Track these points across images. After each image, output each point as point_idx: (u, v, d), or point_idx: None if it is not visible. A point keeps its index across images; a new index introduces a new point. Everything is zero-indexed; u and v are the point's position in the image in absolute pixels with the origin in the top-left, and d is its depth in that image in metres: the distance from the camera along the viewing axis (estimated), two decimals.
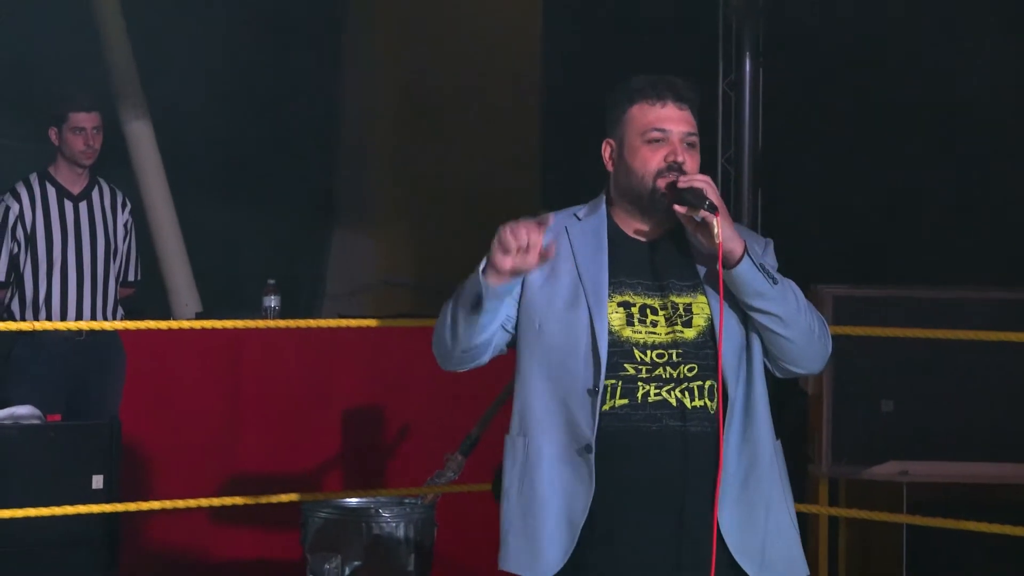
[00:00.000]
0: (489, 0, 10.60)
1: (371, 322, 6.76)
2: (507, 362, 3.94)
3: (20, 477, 6.09)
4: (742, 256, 3.74)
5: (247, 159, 10.02)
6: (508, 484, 3.84)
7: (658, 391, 3.76)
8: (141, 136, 9.16)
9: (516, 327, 3.85)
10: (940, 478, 6.95)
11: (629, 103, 3.86)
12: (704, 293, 3.82)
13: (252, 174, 10.05)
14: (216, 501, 6.41)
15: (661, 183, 3.80)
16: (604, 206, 3.91)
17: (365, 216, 10.85)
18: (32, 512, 5.79)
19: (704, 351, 3.79)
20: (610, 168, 3.91)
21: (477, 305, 3.71)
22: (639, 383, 3.76)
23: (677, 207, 3.76)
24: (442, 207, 10.53)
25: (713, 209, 3.71)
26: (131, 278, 7.30)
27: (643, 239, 3.87)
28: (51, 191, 7.09)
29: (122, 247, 7.23)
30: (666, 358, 3.78)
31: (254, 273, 8.51)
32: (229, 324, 6.43)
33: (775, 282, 3.78)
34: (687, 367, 3.78)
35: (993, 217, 8.05)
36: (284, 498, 6.40)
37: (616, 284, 3.82)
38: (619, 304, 3.80)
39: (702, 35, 8.84)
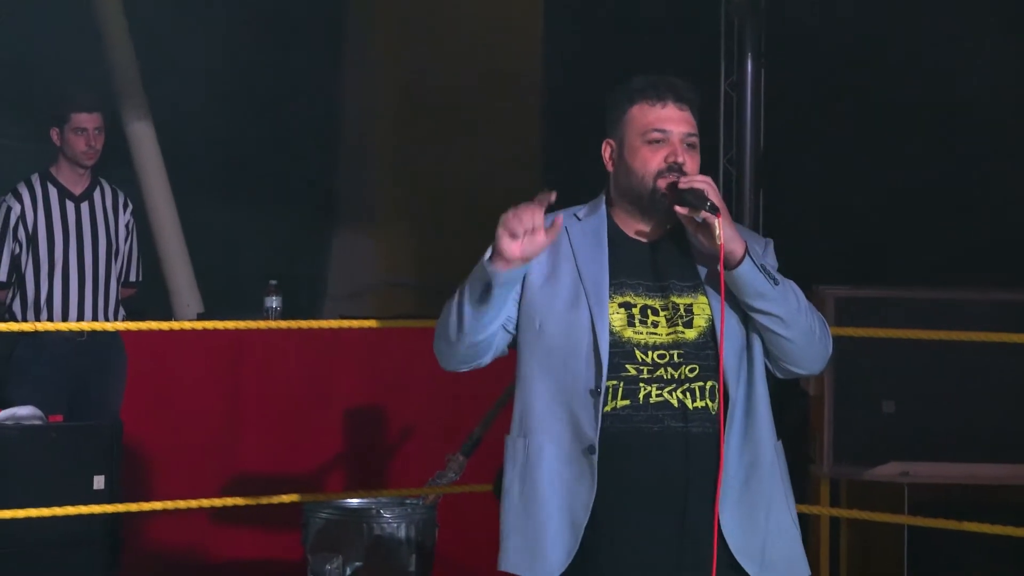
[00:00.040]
0: (490, 0, 10.59)
1: (371, 323, 6.76)
2: (508, 363, 3.94)
3: (21, 477, 6.09)
4: (743, 257, 3.74)
5: (248, 159, 10.02)
6: (509, 485, 3.84)
7: (659, 392, 3.77)
8: (143, 137, 9.16)
9: (516, 327, 3.84)
10: (941, 479, 6.95)
11: (629, 103, 3.86)
12: (705, 294, 3.82)
13: (253, 174, 10.04)
14: (217, 502, 6.41)
15: (661, 184, 3.80)
16: (604, 206, 3.91)
17: (366, 216, 10.85)
18: (33, 512, 5.79)
19: (705, 352, 3.79)
20: (610, 168, 3.91)
21: (486, 295, 3.71)
22: (640, 384, 3.76)
23: (678, 208, 3.76)
24: (443, 207, 10.53)
25: (714, 210, 3.71)
26: (132, 279, 7.29)
27: (643, 239, 3.87)
28: (53, 191, 7.09)
29: (123, 248, 7.22)
30: (667, 359, 3.78)
31: (255, 274, 8.50)
32: (230, 325, 6.44)
33: (776, 283, 3.78)
34: (688, 368, 3.78)
35: (994, 217, 8.05)
36: (285, 498, 6.40)
37: (617, 285, 3.82)
38: (620, 305, 3.80)
39: (703, 35, 8.84)
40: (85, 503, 5.98)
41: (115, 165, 7.87)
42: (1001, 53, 7.98)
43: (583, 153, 4.42)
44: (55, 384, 6.94)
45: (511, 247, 3.65)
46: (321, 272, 10.68)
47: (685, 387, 3.78)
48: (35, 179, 7.11)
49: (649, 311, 3.81)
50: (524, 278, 3.80)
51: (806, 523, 6.89)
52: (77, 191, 7.13)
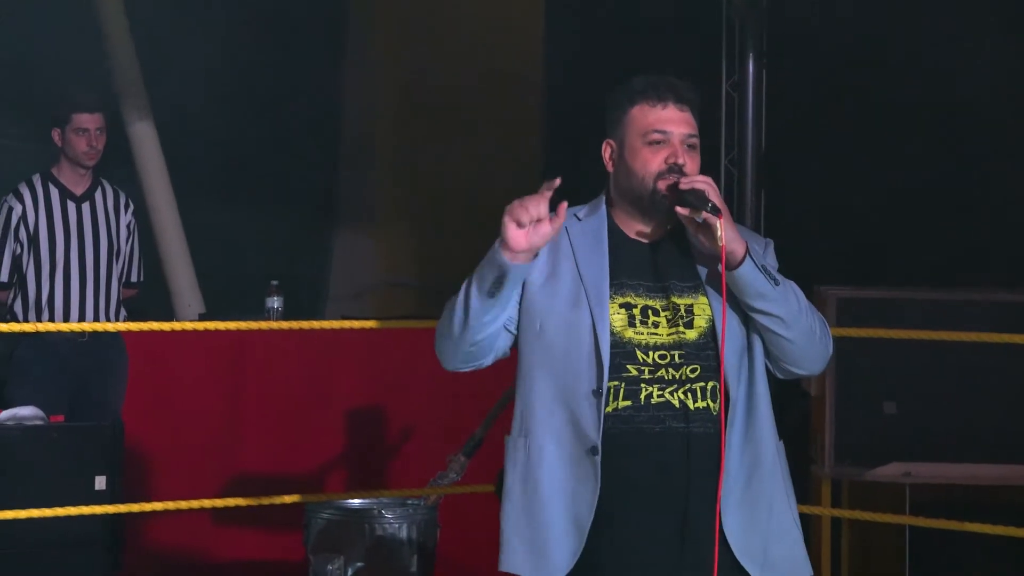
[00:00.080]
0: (491, 1, 10.59)
1: (372, 323, 6.76)
2: (509, 363, 3.93)
3: (23, 478, 6.08)
4: (744, 257, 3.74)
5: (249, 160, 10.02)
6: (510, 485, 3.84)
7: (661, 392, 3.77)
8: (144, 137, 9.15)
9: (517, 328, 3.84)
10: (943, 479, 6.95)
11: (630, 104, 3.86)
12: (705, 294, 3.82)
13: (254, 175, 10.04)
14: (219, 502, 6.41)
15: (662, 185, 3.80)
16: (604, 207, 3.91)
17: (367, 217, 10.85)
18: (35, 513, 5.79)
19: (706, 352, 3.79)
20: (610, 169, 3.91)
21: (496, 289, 3.70)
22: (642, 384, 3.76)
23: (679, 209, 3.76)
24: (444, 207, 10.53)
25: (716, 211, 3.71)
26: (134, 279, 7.29)
27: (644, 240, 3.87)
28: (54, 192, 7.09)
29: (125, 248, 7.22)
30: (668, 359, 3.78)
31: (257, 274, 8.51)
32: (232, 325, 6.44)
33: (776, 283, 3.78)
34: (689, 368, 3.78)
35: (995, 218, 8.05)
36: (287, 499, 6.40)
37: (617, 285, 3.82)
38: (621, 305, 3.80)
39: (705, 35, 8.84)
40: (86, 503, 5.98)
41: (116, 165, 7.87)
42: (1001, 53, 7.98)
43: (583, 153, 4.42)
44: (56, 384, 6.94)
45: (517, 237, 3.65)
46: (322, 272, 10.68)
47: (686, 387, 3.78)
48: (36, 179, 7.11)
49: (650, 311, 3.81)
50: (525, 279, 3.80)
51: (807, 523, 6.89)
52: (78, 191, 7.13)
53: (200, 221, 9.42)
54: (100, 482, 6.14)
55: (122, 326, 6.94)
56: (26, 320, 6.99)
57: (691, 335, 3.80)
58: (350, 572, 6.10)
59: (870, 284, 7.24)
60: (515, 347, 3.88)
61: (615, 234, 3.87)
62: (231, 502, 6.45)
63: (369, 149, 10.93)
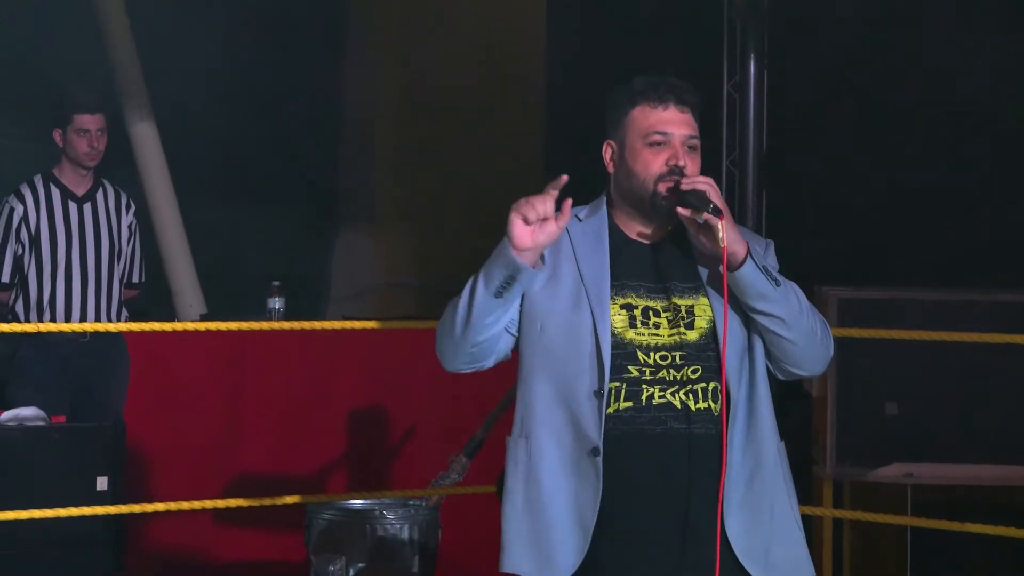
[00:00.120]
0: (493, 1, 10.59)
1: (373, 324, 6.75)
2: (510, 364, 3.93)
3: (24, 478, 6.08)
4: (745, 258, 3.74)
5: (250, 160, 10.02)
6: (512, 487, 3.83)
7: (662, 393, 3.77)
8: (146, 137, 9.15)
9: (518, 329, 3.84)
10: (944, 480, 6.95)
11: (631, 105, 3.86)
12: (706, 295, 3.82)
13: (255, 175, 10.05)
14: (220, 503, 6.41)
15: (662, 187, 3.80)
16: (605, 207, 3.91)
17: (368, 217, 10.85)
18: (36, 513, 5.79)
19: (707, 353, 3.79)
20: (611, 170, 3.91)
21: (504, 287, 3.69)
22: (643, 385, 3.76)
23: (680, 209, 3.76)
24: (445, 208, 10.53)
25: (717, 212, 3.71)
26: (135, 280, 7.29)
27: (645, 241, 3.87)
28: (55, 192, 7.09)
29: (126, 249, 7.22)
30: (669, 360, 3.78)
31: (258, 274, 8.51)
32: (233, 326, 6.43)
33: (777, 284, 3.78)
34: (691, 369, 3.78)
35: (997, 218, 8.05)
36: (288, 500, 6.40)
37: (618, 286, 3.81)
38: (622, 306, 3.80)
39: (706, 36, 8.84)
40: (88, 504, 5.98)
41: (118, 165, 7.87)
42: (1001, 53, 7.98)
43: (585, 153, 4.42)
44: (58, 385, 6.94)
45: (523, 234, 3.65)
46: (324, 273, 10.68)
47: (688, 388, 3.78)
48: (38, 180, 7.11)
49: (651, 312, 3.81)
50: None
51: (809, 524, 6.88)
52: (80, 192, 7.13)
53: (201, 221, 9.42)
54: (101, 482, 6.14)
55: (123, 326, 6.94)
56: (27, 320, 6.99)
57: (692, 336, 3.80)
58: (351, 573, 6.10)
59: (871, 284, 7.24)
60: (516, 349, 3.88)
61: (616, 235, 3.87)
62: (232, 503, 6.45)
63: (370, 149, 10.93)
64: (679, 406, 3.77)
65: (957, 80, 8.02)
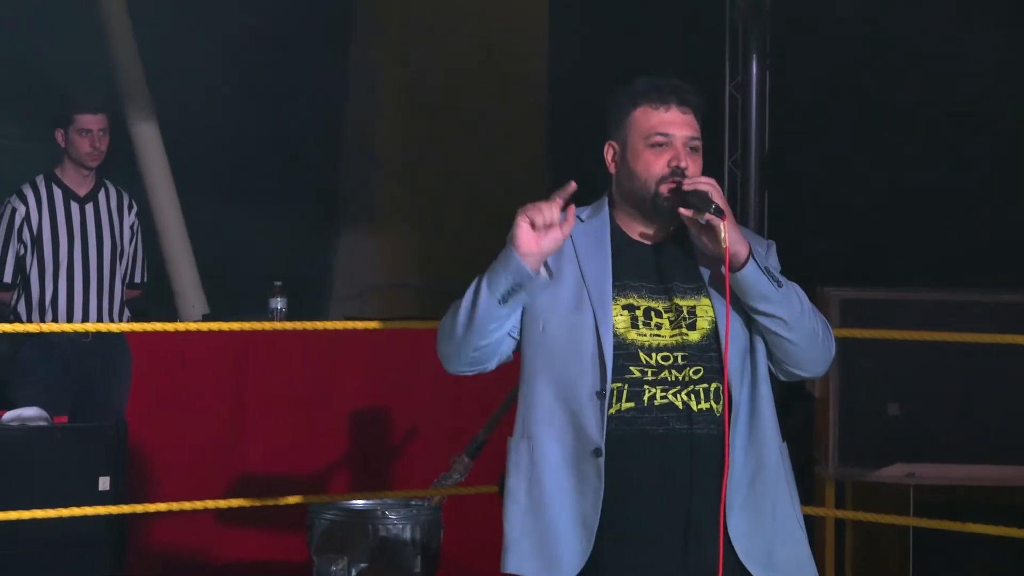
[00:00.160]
0: (494, 1, 10.59)
1: (375, 324, 6.75)
2: (512, 365, 3.93)
3: (26, 478, 6.08)
4: (747, 259, 3.74)
5: (252, 160, 10.02)
6: (514, 488, 3.83)
7: (664, 394, 3.77)
8: (147, 138, 9.15)
9: (520, 331, 3.84)
10: (946, 480, 6.94)
11: (632, 106, 3.85)
12: (708, 296, 3.82)
13: (258, 175, 10.05)
14: (222, 503, 6.41)
15: (664, 188, 3.80)
16: (607, 208, 3.90)
17: (370, 217, 10.85)
18: (38, 514, 5.79)
19: (708, 354, 3.79)
20: (612, 171, 3.90)
21: (510, 294, 3.69)
22: (645, 386, 3.76)
23: (682, 210, 3.76)
24: (447, 208, 10.53)
25: (719, 212, 3.71)
26: (137, 280, 7.30)
27: (647, 241, 3.87)
28: (57, 193, 7.09)
29: (128, 249, 7.23)
30: (671, 361, 3.78)
31: (260, 275, 8.51)
32: (235, 326, 6.44)
33: (779, 285, 3.78)
34: (692, 370, 3.78)
35: (1000, 219, 8.05)
36: (290, 500, 6.40)
37: (620, 287, 3.81)
38: (624, 307, 3.80)
39: (708, 36, 8.84)
40: (90, 504, 5.98)
41: (120, 166, 7.87)
42: (1001, 53, 7.98)
43: (586, 153, 4.42)
44: (60, 385, 6.94)
45: (528, 239, 3.64)
46: (326, 273, 10.68)
47: (689, 389, 3.77)
48: (40, 180, 7.11)
49: (653, 313, 3.81)
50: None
51: (811, 525, 6.87)
52: (82, 192, 7.13)
53: (203, 221, 9.42)
54: (104, 483, 6.14)
55: (126, 327, 6.94)
56: (30, 321, 7.00)
57: (694, 337, 3.80)
58: (353, 573, 6.10)
59: (873, 285, 7.24)
60: (518, 350, 3.87)
61: (618, 236, 3.87)
62: (234, 503, 6.45)
63: (371, 149, 10.93)
64: (681, 407, 3.76)
65: (957, 80, 8.02)
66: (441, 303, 3.98)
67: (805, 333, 3.81)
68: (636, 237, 3.87)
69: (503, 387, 5.81)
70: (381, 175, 10.90)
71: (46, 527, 5.90)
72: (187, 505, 6.15)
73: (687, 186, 3.76)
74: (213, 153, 9.74)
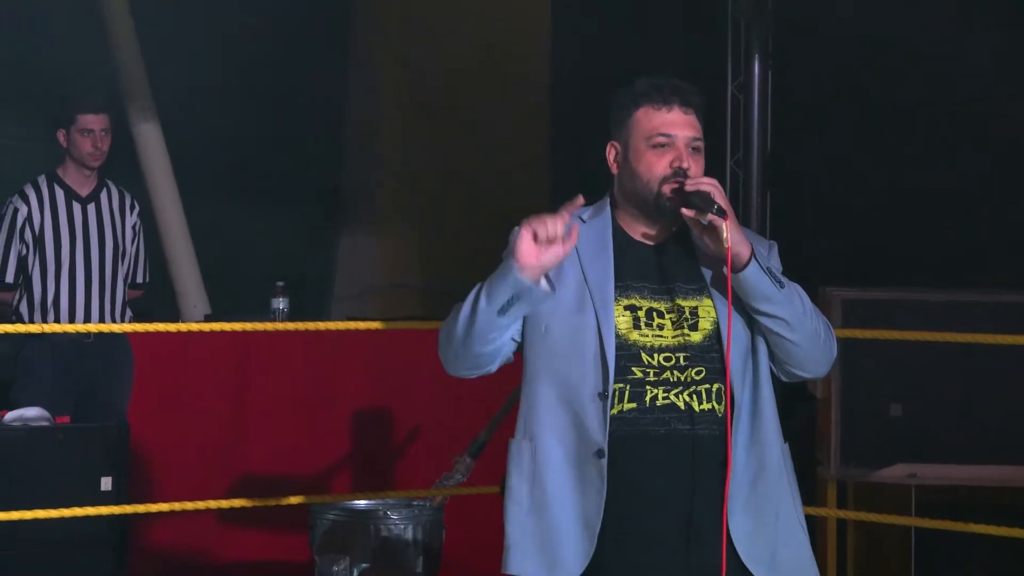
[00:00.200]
0: (494, 1, 10.59)
1: (377, 324, 6.76)
2: (514, 365, 3.93)
3: (28, 479, 6.08)
4: (749, 260, 3.74)
5: (254, 160, 10.02)
6: (516, 489, 3.83)
7: (666, 394, 3.76)
8: (150, 138, 9.15)
9: (522, 332, 3.83)
10: (948, 481, 6.94)
11: (634, 106, 3.85)
12: (710, 296, 3.82)
13: (260, 175, 10.05)
14: (224, 503, 6.42)
15: (666, 189, 3.79)
16: (609, 208, 3.90)
17: (372, 217, 10.85)
18: (40, 514, 5.80)
19: (710, 354, 3.79)
20: (614, 171, 3.90)
21: (509, 305, 3.69)
22: (647, 386, 3.76)
23: (684, 210, 3.76)
24: (449, 209, 10.52)
25: (721, 213, 3.71)
26: (139, 280, 7.29)
27: (649, 242, 3.87)
28: (59, 193, 7.09)
29: (130, 249, 7.23)
30: (673, 361, 3.78)
31: (262, 275, 8.51)
32: (237, 326, 6.44)
33: (781, 286, 3.78)
34: (694, 370, 3.78)
35: (1003, 219, 8.05)
36: (292, 500, 6.41)
37: (622, 287, 3.81)
38: (626, 307, 3.80)
39: (710, 36, 8.84)
40: (92, 504, 5.98)
41: (121, 166, 7.87)
42: (1002, 53, 7.99)
43: (588, 154, 4.42)
44: (62, 385, 6.94)
45: (529, 251, 3.63)
46: (327, 273, 10.68)
47: (691, 390, 3.77)
48: (42, 181, 7.11)
49: (655, 314, 3.80)
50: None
51: (813, 525, 6.88)
52: (84, 192, 7.13)
53: (205, 222, 9.42)
54: (106, 483, 6.14)
55: (128, 327, 6.94)
56: (32, 321, 7.00)
57: (696, 337, 3.79)
58: (355, 573, 6.10)
59: (875, 285, 7.24)
60: (520, 351, 3.87)
61: (620, 236, 3.86)
62: (236, 503, 6.45)
63: (374, 150, 10.93)
64: (683, 407, 3.76)
65: (957, 80, 8.02)
66: (442, 303, 3.98)
67: (807, 334, 3.81)
68: (638, 238, 3.87)
69: (505, 387, 5.81)
70: (382, 175, 10.89)
71: (48, 527, 5.91)
72: (189, 505, 6.15)
73: (689, 187, 3.76)
74: (215, 153, 9.75)
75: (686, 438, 3.76)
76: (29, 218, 7.03)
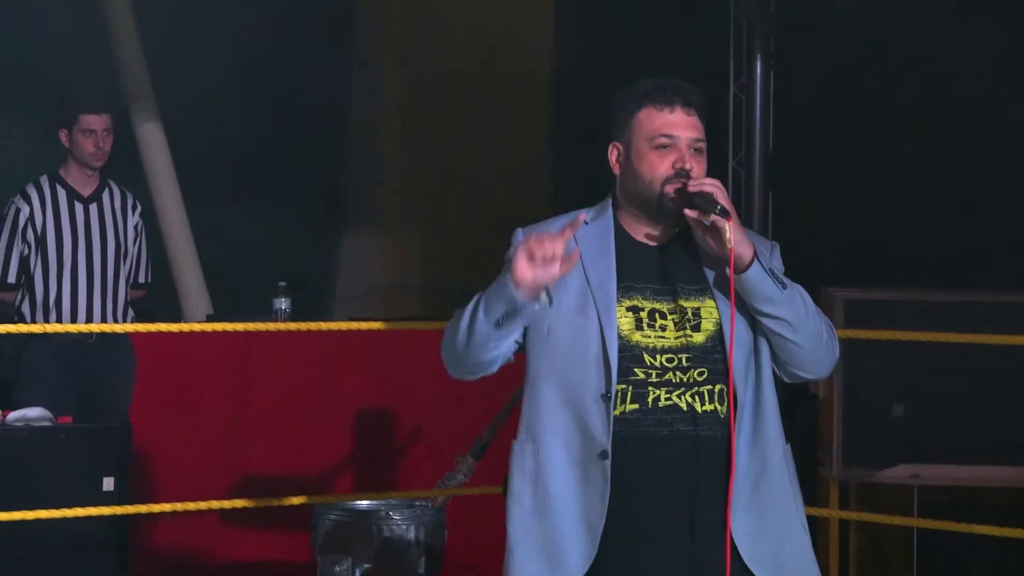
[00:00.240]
0: (500, 2, 10.59)
1: (379, 325, 6.76)
2: (517, 365, 3.93)
3: (31, 479, 6.09)
4: (752, 261, 3.74)
5: (257, 161, 10.02)
6: (518, 490, 3.82)
7: (668, 395, 3.76)
8: (152, 138, 9.15)
9: (524, 334, 3.83)
10: (950, 481, 6.94)
11: (636, 107, 3.84)
12: (712, 297, 3.82)
13: (262, 176, 10.05)
14: (226, 503, 6.42)
15: (669, 190, 3.79)
16: (611, 209, 3.89)
17: (374, 218, 10.85)
18: (43, 514, 5.80)
19: (713, 355, 3.79)
20: (617, 172, 3.89)
21: (505, 320, 3.69)
22: (649, 387, 3.76)
23: (687, 211, 3.75)
24: (451, 209, 10.53)
25: (724, 214, 3.71)
26: (141, 280, 7.30)
27: (651, 243, 3.86)
28: (61, 193, 7.09)
29: (132, 249, 7.23)
30: (675, 362, 3.78)
31: (264, 275, 8.51)
32: (239, 327, 6.45)
33: (784, 287, 3.78)
34: (697, 371, 3.77)
35: (1006, 220, 8.05)
36: (294, 500, 6.41)
37: (624, 288, 3.81)
38: (628, 309, 3.79)
39: (713, 37, 8.84)
40: (94, 504, 5.99)
41: (124, 166, 7.87)
42: (1002, 53, 7.99)
43: (589, 154, 4.42)
44: (64, 385, 6.94)
45: (524, 270, 3.63)
46: (329, 273, 10.68)
47: (694, 391, 3.77)
48: (44, 180, 7.11)
49: (657, 315, 3.80)
50: None
51: (815, 526, 6.89)
52: (86, 192, 7.13)
53: (207, 222, 9.42)
54: (108, 483, 6.14)
55: (130, 327, 6.94)
56: (34, 321, 7.00)
57: (698, 338, 3.79)
58: (357, 573, 6.10)
59: (878, 285, 7.23)
60: (521, 352, 3.87)
61: (622, 237, 3.86)
62: (238, 503, 6.45)
63: (376, 150, 10.94)
64: (685, 408, 3.76)
65: (957, 80, 8.02)
66: (444, 303, 3.98)
67: (809, 335, 3.81)
68: (640, 239, 3.86)
69: (507, 388, 5.81)
70: (384, 175, 10.90)
71: (50, 528, 5.91)
72: (191, 506, 6.15)
73: (692, 187, 3.75)
74: (216, 153, 9.75)
75: (688, 439, 3.75)
76: (31, 218, 7.03)
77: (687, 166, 3.79)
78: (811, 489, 6.75)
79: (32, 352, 6.95)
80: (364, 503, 6.40)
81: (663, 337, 3.78)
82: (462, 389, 6.76)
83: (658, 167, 3.80)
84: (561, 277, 3.75)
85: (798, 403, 7.09)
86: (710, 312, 3.81)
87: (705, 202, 3.73)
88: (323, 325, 6.76)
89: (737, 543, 3.75)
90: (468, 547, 7.00)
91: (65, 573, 6.12)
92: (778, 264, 3.89)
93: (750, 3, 8.65)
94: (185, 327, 7.11)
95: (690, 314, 3.80)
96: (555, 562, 3.76)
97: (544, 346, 3.80)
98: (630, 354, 3.75)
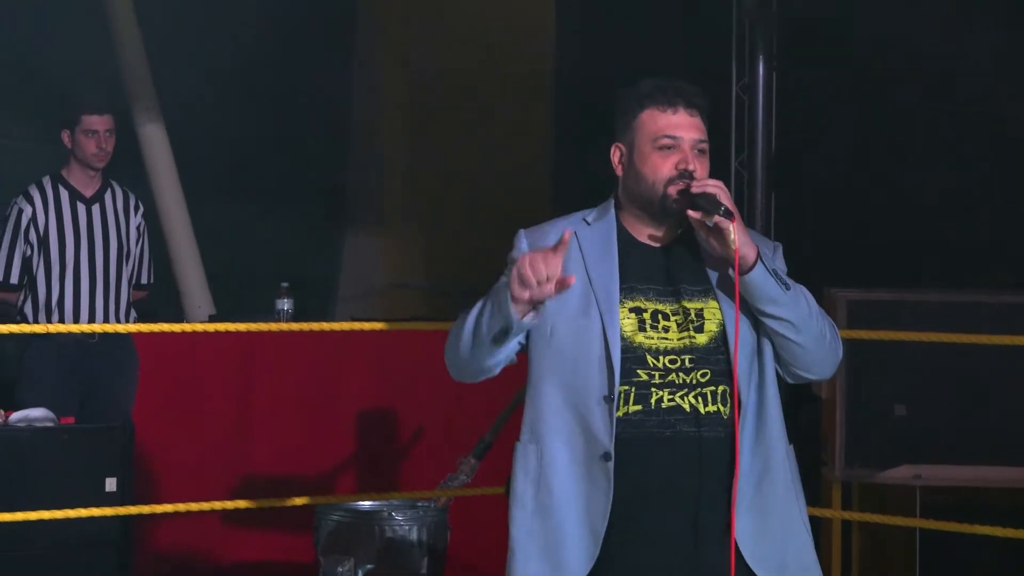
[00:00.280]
0: (501, 1, 10.59)
1: (381, 325, 6.76)
2: (519, 366, 3.93)
3: (33, 479, 6.09)
4: (755, 262, 3.73)
5: (259, 161, 10.03)
6: (521, 492, 3.82)
7: (671, 396, 3.76)
8: (154, 139, 9.16)
9: (526, 335, 3.83)
10: (953, 482, 6.94)
11: (639, 108, 3.84)
12: (716, 298, 3.81)
13: (264, 176, 10.06)
14: (229, 504, 6.42)
15: (672, 191, 3.79)
16: (613, 210, 3.89)
17: (375, 218, 10.86)
18: (45, 515, 5.80)
19: (716, 356, 3.79)
20: (619, 173, 3.89)
21: (502, 336, 3.69)
22: (652, 389, 3.76)
23: (691, 212, 3.75)
24: (452, 209, 10.53)
25: (728, 215, 3.70)
26: (144, 281, 7.30)
27: (654, 244, 3.86)
28: (64, 194, 7.09)
29: (134, 250, 7.23)
30: (679, 363, 3.78)
31: (267, 275, 8.51)
32: (242, 327, 6.44)
33: (787, 287, 3.78)
34: (700, 372, 3.77)
35: (1009, 220, 8.05)
36: (297, 501, 6.41)
37: (627, 289, 3.81)
38: (631, 310, 3.79)
39: (715, 37, 8.84)
40: (97, 505, 5.99)
41: (126, 166, 7.87)
42: (1002, 53, 7.99)
43: (595, 155, 4.42)
44: (66, 386, 6.94)
45: (521, 293, 3.62)
46: (332, 274, 10.69)
47: (697, 392, 3.77)
48: (46, 181, 7.11)
49: (660, 316, 3.80)
50: None
51: (818, 526, 6.89)
52: (88, 193, 7.13)
53: (209, 222, 9.43)
54: (110, 483, 6.14)
55: (132, 327, 6.94)
56: (36, 322, 7.00)
57: (701, 339, 3.79)
58: (360, 574, 6.11)
59: (880, 286, 7.23)
60: (523, 352, 3.87)
61: (625, 238, 3.86)
62: (241, 504, 6.45)
63: (378, 151, 10.94)
64: (688, 409, 3.76)
65: (959, 80, 8.02)
66: (446, 303, 3.98)
67: (813, 336, 3.81)
68: (643, 239, 3.86)
69: (509, 388, 5.80)
70: (384, 175, 10.91)
71: (53, 528, 5.92)
72: (194, 506, 6.16)
73: (695, 188, 3.75)
74: (219, 154, 9.76)
75: (692, 440, 3.75)
76: (34, 219, 7.03)
77: (690, 167, 3.79)
78: (813, 490, 6.74)
79: (35, 353, 6.95)
80: (366, 504, 6.41)
81: (666, 338, 3.78)
82: (464, 390, 6.75)
83: (661, 168, 3.80)
84: (564, 276, 3.76)
85: (801, 403, 7.08)
86: (713, 313, 3.81)
87: (708, 203, 3.72)
88: (325, 325, 6.77)
89: (740, 544, 3.75)
90: (470, 548, 7.00)
91: (68, 573, 6.12)
92: (781, 265, 3.89)
93: (752, 3, 8.65)
94: (187, 327, 7.11)
95: (693, 315, 3.80)
96: (557, 563, 3.76)
97: (547, 347, 3.80)
98: (633, 355, 3.75)
